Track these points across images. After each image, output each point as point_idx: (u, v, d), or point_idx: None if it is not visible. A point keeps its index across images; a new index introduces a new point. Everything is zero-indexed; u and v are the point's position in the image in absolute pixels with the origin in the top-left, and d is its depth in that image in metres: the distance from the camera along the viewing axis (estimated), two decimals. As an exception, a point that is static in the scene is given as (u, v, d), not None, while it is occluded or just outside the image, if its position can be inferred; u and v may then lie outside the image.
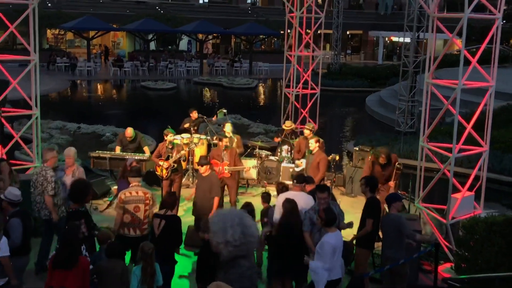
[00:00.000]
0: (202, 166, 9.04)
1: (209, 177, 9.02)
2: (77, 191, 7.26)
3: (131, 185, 7.85)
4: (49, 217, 8.09)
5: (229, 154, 10.66)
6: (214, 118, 14.13)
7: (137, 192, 7.71)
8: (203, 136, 13.44)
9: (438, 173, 9.21)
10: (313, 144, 10.41)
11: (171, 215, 7.30)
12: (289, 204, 7.17)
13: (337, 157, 12.05)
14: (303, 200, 7.65)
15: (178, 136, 13.09)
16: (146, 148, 11.76)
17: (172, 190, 10.49)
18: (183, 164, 11.09)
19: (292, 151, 12.58)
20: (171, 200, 7.47)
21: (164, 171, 10.28)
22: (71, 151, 8.98)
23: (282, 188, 8.19)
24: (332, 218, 6.53)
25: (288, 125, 12.89)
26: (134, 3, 46.07)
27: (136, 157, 10.98)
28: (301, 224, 7.19)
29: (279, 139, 12.83)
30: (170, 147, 10.44)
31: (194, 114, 13.55)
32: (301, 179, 8.01)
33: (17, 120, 16.70)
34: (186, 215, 10.76)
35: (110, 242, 6.79)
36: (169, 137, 10.52)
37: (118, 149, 11.76)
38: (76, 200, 7.24)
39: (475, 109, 9.59)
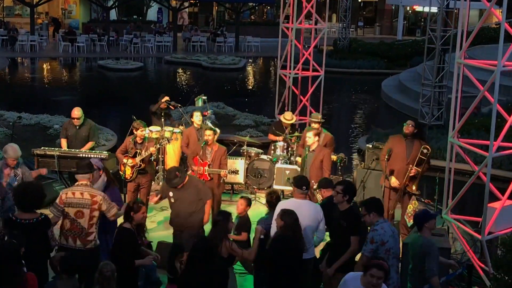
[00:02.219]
0: (174, 187, 8.74)
1: (190, 183, 8.80)
2: (37, 195, 7.30)
3: (76, 183, 7.86)
4: None
5: (215, 152, 10.60)
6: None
7: (81, 194, 7.71)
8: (177, 130, 13.43)
9: (471, 177, 9.25)
10: (312, 139, 10.37)
11: (122, 228, 7.42)
12: (290, 218, 7.09)
13: (336, 157, 12.01)
14: (308, 211, 7.64)
15: (146, 129, 13.07)
16: (89, 144, 11.57)
17: (138, 197, 10.51)
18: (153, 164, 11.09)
19: (289, 149, 12.60)
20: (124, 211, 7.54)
21: (129, 171, 10.26)
22: (17, 151, 8.96)
23: (274, 199, 8.19)
24: None
25: (288, 118, 12.85)
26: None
27: (92, 155, 10.93)
28: (302, 244, 7.19)
29: (279, 137, 12.71)
30: (139, 142, 10.41)
31: (163, 104, 13.54)
32: (302, 181, 7.94)
33: None
34: (157, 229, 10.79)
35: (62, 255, 6.80)
36: (140, 131, 10.49)
37: (64, 142, 11.62)
38: (38, 206, 7.32)
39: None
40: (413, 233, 8.76)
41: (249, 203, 8.77)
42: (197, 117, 12.02)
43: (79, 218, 7.66)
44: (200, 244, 6.59)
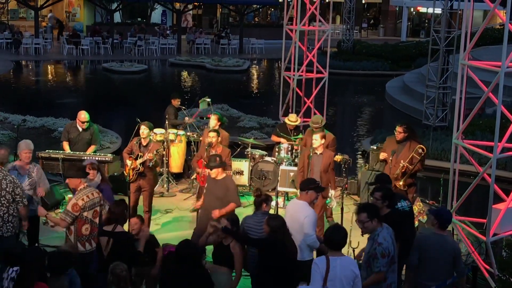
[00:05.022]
0: (211, 169, 8.87)
1: (224, 181, 8.94)
2: None
3: (81, 187, 7.95)
4: (12, 233, 8.13)
5: (220, 154, 10.64)
6: (187, 119, 13.96)
7: (92, 194, 7.99)
8: (181, 132, 13.44)
9: (476, 178, 9.24)
10: (318, 141, 10.35)
11: (120, 232, 7.43)
12: (276, 222, 7.17)
13: (341, 158, 11.99)
14: (293, 211, 7.78)
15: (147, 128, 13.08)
16: (92, 148, 11.59)
17: (144, 200, 10.50)
18: (157, 168, 11.06)
19: (293, 151, 12.59)
20: (119, 211, 7.56)
21: (130, 172, 10.26)
22: (30, 144, 9.00)
23: (261, 199, 8.09)
24: (335, 239, 6.48)
25: (293, 119, 12.86)
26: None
27: (96, 158, 10.94)
28: (293, 247, 7.23)
29: (281, 139, 12.73)
30: (143, 144, 10.37)
31: (177, 102, 13.71)
32: (304, 184, 8.03)
33: None
34: (161, 231, 10.79)
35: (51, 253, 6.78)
36: (143, 129, 10.41)
37: (66, 145, 11.60)
38: None
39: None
40: (422, 230, 8.79)
41: (141, 220, 8.33)
42: (211, 121, 11.96)
43: (95, 218, 7.95)
44: (184, 246, 6.53)
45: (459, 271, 7.09)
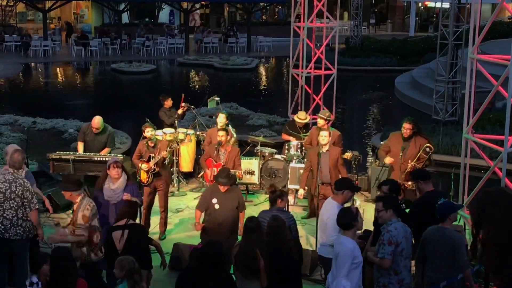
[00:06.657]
0: (223, 185, 8.70)
1: (232, 192, 8.81)
2: None
3: (77, 200, 7.91)
4: (22, 237, 8.03)
5: (228, 153, 10.65)
6: (180, 111, 13.73)
7: (91, 202, 8.02)
8: (190, 131, 13.47)
9: (487, 173, 9.22)
10: (327, 138, 10.35)
11: (133, 224, 7.50)
12: (275, 222, 7.16)
13: (350, 155, 11.98)
14: (323, 210, 7.80)
15: (159, 131, 13.11)
16: (106, 150, 11.63)
17: (160, 200, 10.51)
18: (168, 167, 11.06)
19: (303, 148, 12.59)
20: (134, 210, 7.70)
21: (144, 175, 10.25)
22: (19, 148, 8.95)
23: (276, 195, 8.08)
24: (345, 221, 6.76)
25: (302, 117, 12.89)
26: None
27: (107, 158, 10.95)
28: (290, 249, 7.21)
29: (291, 137, 12.74)
30: (151, 145, 10.38)
31: (169, 102, 13.72)
32: (341, 184, 8.03)
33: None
34: (175, 231, 10.82)
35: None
36: (147, 132, 10.47)
37: (80, 146, 11.70)
38: None
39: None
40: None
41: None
42: (220, 119, 12.00)
43: (99, 225, 8.10)
44: (209, 248, 6.46)
45: (461, 264, 7.04)
